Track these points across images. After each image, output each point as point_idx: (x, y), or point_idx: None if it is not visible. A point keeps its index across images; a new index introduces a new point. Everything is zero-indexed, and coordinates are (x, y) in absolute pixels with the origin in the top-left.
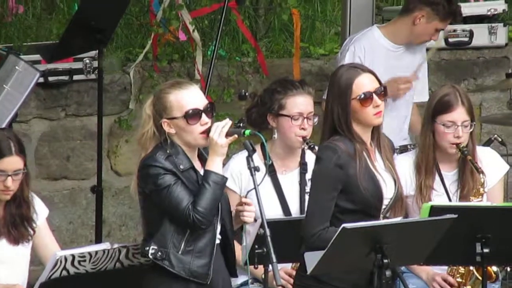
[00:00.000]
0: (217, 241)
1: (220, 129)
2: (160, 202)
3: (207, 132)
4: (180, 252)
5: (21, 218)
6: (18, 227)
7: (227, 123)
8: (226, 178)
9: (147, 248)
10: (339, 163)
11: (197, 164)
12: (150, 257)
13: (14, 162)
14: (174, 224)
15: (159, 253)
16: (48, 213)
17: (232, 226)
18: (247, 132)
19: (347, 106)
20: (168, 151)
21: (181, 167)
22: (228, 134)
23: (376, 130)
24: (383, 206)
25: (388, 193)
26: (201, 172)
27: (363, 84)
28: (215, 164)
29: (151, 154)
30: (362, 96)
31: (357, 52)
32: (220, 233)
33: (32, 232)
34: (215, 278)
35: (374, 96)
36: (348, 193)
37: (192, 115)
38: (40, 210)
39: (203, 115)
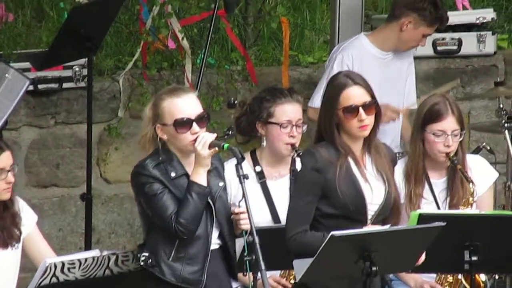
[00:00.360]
0: (216, 247)
1: (204, 141)
2: (148, 210)
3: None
4: (170, 259)
5: (10, 218)
6: (8, 228)
7: (211, 135)
8: (210, 189)
9: (139, 255)
10: (316, 167)
11: (192, 170)
12: (141, 263)
13: (9, 157)
14: (163, 232)
15: (150, 260)
16: (37, 219)
17: (232, 231)
18: (225, 146)
19: (332, 115)
20: (160, 158)
21: (172, 174)
22: (211, 146)
23: (367, 139)
24: (371, 213)
25: (375, 199)
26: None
27: (350, 96)
28: (199, 175)
29: (142, 162)
30: (346, 109)
31: (345, 60)
32: (219, 238)
33: (18, 232)
34: (211, 283)
35: (360, 110)
36: (328, 198)
37: (181, 124)
38: (30, 216)
39: (194, 124)
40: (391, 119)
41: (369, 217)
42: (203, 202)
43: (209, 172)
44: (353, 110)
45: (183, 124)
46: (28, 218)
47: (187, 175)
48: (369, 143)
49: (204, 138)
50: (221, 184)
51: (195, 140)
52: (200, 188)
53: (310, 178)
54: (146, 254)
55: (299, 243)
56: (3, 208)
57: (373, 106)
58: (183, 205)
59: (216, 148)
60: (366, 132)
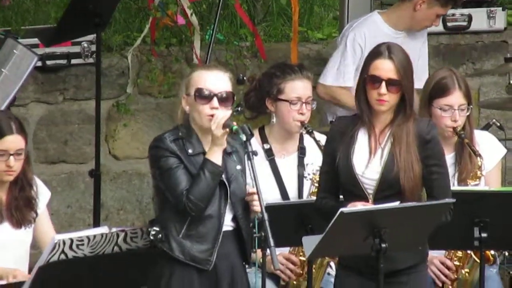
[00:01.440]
0: (229, 228)
1: (218, 120)
2: (161, 184)
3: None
4: (180, 236)
5: (24, 200)
6: (21, 210)
7: (226, 114)
8: (223, 169)
9: (150, 229)
10: (328, 138)
11: None
12: (151, 238)
13: (15, 141)
14: (176, 208)
15: (160, 235)
16: (50, 197)
17: (247, 214)
18: (234, 128)
19: (362, 78)
20: (180, 133)
21: (190, 151)
22: (224, 126)
23: (394, 118)
24: (370, 187)
25: (369, 174)
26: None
27: (379, 68)
28: (213, 153)
29: (160, 135)
30: (371, 78)
31: (357, 38)
32: (232, 220)
33: (34, 215)
34: (222, 264)
35: (383, 83)
36: (336, 169)
37: (202, 95)
38: (43, 194)
39: (215, 99)
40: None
41: (370, 192)
42: (215, 181)
43: (229, 154)
44: (376, 81)
45: (203, 95)
46: (40, 199)
47: (204, 154)
48: (395, 119)
49: (219, 117)
50: (238, 167)
51: (212, 115)
52: (213, 167)
53: (325, 148)
54: (157, 228)
55: (317, 208)
56: (18, 190)
57: (397, 85)
58: (195, 182)
59: (228, 130)
60: (383, 107)
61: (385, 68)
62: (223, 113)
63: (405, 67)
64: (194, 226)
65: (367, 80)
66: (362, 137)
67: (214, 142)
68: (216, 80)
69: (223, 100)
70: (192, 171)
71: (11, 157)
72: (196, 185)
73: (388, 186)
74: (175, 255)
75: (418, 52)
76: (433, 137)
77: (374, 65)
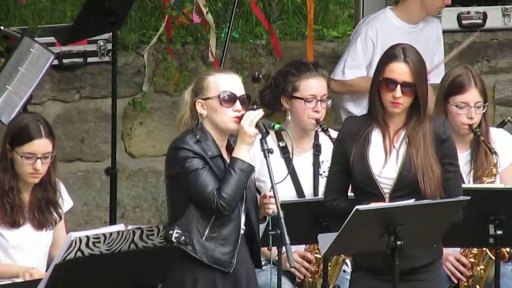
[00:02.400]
0: (242, 232)
1: (252, 119)
2: (186, 185)
3: (239, 118)
4: (204, 238)
5: (46, 202)
6: (43, 211)
7: (259, 113)
8: (253, 167)
9: (171, 232)
10: (339, 138)
11: (225, 154)
12: (174, 241)
13: (43, 144)
14: (199, 210)
15: (183, 237)
16: (71, 206)
17: (258, 217)
18: (277, 126)
19: (376, 80)
20: (197, 136)
21: (209, 153)
22: (257, 125)
23: (409, 119)
24: (387, 187)
25: (385, 173)
26: (228, 161)
27: (394, 70)
28: (242, 152)
29: (181, 137)
30: (386, 81)
31: (369, 34)
32: (245, 224)
33: (57, 217)
34: (240, 268)
35: (398, 87)
36: (349, 169)
37: (227, 98)
38: (66, 201)
39: (238, 102)
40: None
41: (386, 191)
42: (246, 179)
43: None
44: (391, 84)
45: (229, 98)
46: (64, 201)
47: (221, 157)
48: (410, 120)
49: (252, 115)
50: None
51: (238, 118)
52: (243, 165)
53: (335, 148)
54: (179, 231)
55: (328, 210)
56: (42, 191)
57: (412, 88)
58: (226, 181)
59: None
60: (397, 110)
61: (400, 71)
62: (256, 112)
63: (420, 70)
64: (217, 228)
65: (382, 82)
66: (376, 138)
67: (243, 140)
68: (236, 83)
69: (244, 102)
70: (216, 172)
71: (38, 160)
72: (228, 183)
73: (405, 185)
74: (199, 257)
75: (434, 47)
76: (448, 136)
77: (389, 68)
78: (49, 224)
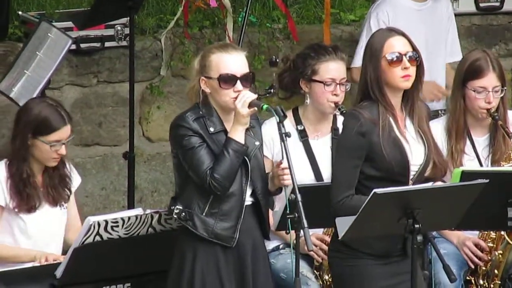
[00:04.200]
0: (248, 203)
1: (244, 100)
2: (184, 162)
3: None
4: (204, 214)
5: (59, 178)
6: (56, 188)
7: (251, 94)
8: (247, 147)
9: (173, 207)
10: (361, 131)
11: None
12: (175, 216)
13: (67, 130)
14: (199, 186)
15: (183, 213)
16: (80, 183)
17: (266, 190)
18: (265, 107)
19: (378, 66)
20: (201, 112)
21: (211, 129)
22: (250, 105)
23: (409, 96)
24: (412, 173)
25: (415, 160)
26: None
27: (394, 45)
28: (237, 132)
29: (182, 114)
30: (391, 55)
31: (381, 16)
32: (251, 195)
33: (69, 193)
34: (244, 240)
35: (404, 58)
36: (373, 161)
37: (226, 80)
38: (75, 178)
39: (238, 82)
40: (436, 98)
41: (410, 177)
42: (239, 159)
43: (246, 131)
44: (397, 58)
45: (228, 80)
46: (73, 178)
47: (225, 132)
48: (412, 102)
49: (245, 96)
50: (257, 143)
51: (236, 98)
52: (237, 145)
53: (355, 142)
54: (180, 207)
55: (347, 207)
56: (52, 168)
57: (414, 58)
58: (219, 161)
59: (256, 108)
60: (409, 83)
61: (400, 43)
62: (249, 93)
63: (410, 39)
64: (217, 204)
65: (386, 61)
66: (393, 125)
67: (238, 121)
68: (237, 63)
69: (246, 81)
70: (214, 149)
71: (63, 146)
72: (220, 164)
73: (425, 170)
74: (199, 232)
75: (446, 24)
76: (429, 114)
77: (388, 45)
78: (62, 200)
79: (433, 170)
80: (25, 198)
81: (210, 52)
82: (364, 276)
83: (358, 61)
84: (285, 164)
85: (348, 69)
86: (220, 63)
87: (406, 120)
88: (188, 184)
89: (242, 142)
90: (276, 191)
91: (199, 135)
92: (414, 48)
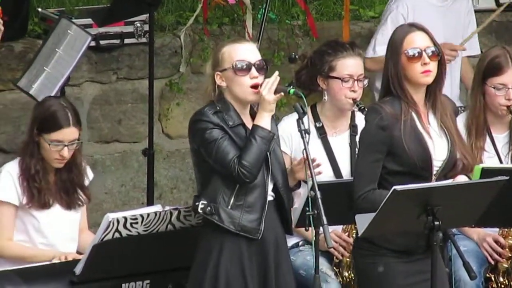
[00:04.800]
0: (270, 198)
1: (270, 85)
2: (208, 156)
3: (257, 87)
4: (229, 207)
5: (72, 184)
6: (68, 193)
7: (276, 79)
8: (273, 134)
9: (197, 203)
10: (382, 125)
11: (248, 121)
12: (200, 211)
13: (71, 133)
14: (223, 179)
15: (209, 208)
16: (91, 178)
17: (287, 184)
18: (292, 91)
19: (397, 61)
20: (218, 107)
21: (230, 123)
22: (276, 91)
23: (432, 91)
24: (436, 169)
25: (438, 155)
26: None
27: (414, 40)
28: (263, 119)
29: (200, 109)
30: (410, 51)
31: (400, 10)
32: (273, 190)
33: (84, 198)
34: (268, 234)
35: (424, 53)
36: (395, 155)
37: (241, 67)
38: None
39: (253, 68)
40: (450, 57)
41: (434, 173)
42: (266, 146)
43: None
44: (417, 53)
45: (242, 67)
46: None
47: (243, 125)
48: (434, 97)
49: (270, 82)
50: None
51: (254, 86)
52: (264, 132)
53: (376, 136)
54: (205, 202)
55: (368, 202)
56: (66, 172)
57: (436, 54)
58: (247, 148)
59: (282, 93)
60: (429, 79)
61: (420, 39)
62: (273, 78)
63: (432, 35)
64: (242, 196)
65: (406, 57)
66: (416, 120)
67: (263, 107)
68: (250, 51)
69: (261, 68)
70: (236, 141)
71: (65, 148)
72: (248, 151)
73: (449, 166)
74: (226, 225)
75: (465, 19)
76: (456, 110)
77: (408, 41)
78: (76, 205)
79: (461, 166)
80: (35, 193)
81: (221, 47)
82: (387, 273)
83: (369, 52)
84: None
85: None
86: (232, 53)
87: (429, 116)
88: (211, 179)
89: (269, 128)
90: (295, 186)
91: (220, 128)
92: (435, 44)
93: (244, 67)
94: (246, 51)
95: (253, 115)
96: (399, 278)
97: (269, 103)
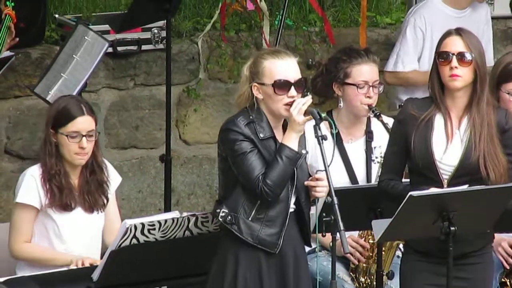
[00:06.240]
0: (291, 210)
1: (300, 106)
2: (234, 167)
3: (290, 104)
4: (250, 219)
5: (96, 184)
6: (93, 194)
7: (307, 101)
8: (300, 155)
9: (218, 210)
10: (399, 119)
11: (279, 134)
12: (220, 219)
13: (86, 121)
14: (246, 191)
15: (229, 217)
16: (120, 182)
17: (308, 198)
18: (323, 115)
19: (435, 64)
20: (251, 117)
21: (261, 135)
22: (306, 113)
23: (473, 98)
24: (445, 173)
25: (446, 160)
26: None
27: (448, 44)
28: (291, 139)
29: (233, 118)
30: (441, 54)
31: (418, 23)
32: (295, 203)
33: (105, 200)
34: (286, 247)
35: (454, 58)
36: (408, 151)
37: (281, 86)
38: (114, 179)
39: (292, 88)
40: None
41: (445, 177)
42: (292, 166)
43: None
44: (446, 57)
45: (282, 86)
46: (112, 179)
47: (274, 138)
48: (470, 103)
49: (300, 103)
50: (303, 152)
51: (289, 104)
52: (291, 152)
53: (393, 127)
54: (226, 210)
55: (382, 190)
56: (89, 173)
57: (468, 60)
58: (272, 167)
59: (311, 116)
60: (457, 83)
61: (454, 43)
62: (305, 99)
63: (475, 44)
64: (263, 209)
65: (438, 58)
66: (438, 122)
67: (292, 128)
68: (291, 69)
69: (299, 87)
70: (264, 155)
71: (84, 138)
72: (273, 170)
73: (465, 173)
74: (244, 237)
75: (481, 30)
76: (511, 127)
77: (443, 44)
78: (99, 206)
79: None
80: (56, 192)
81: (262, 58)
82: (411, 272)
83: (391, 65)
84: (319, 175)
85: (381, 71)
86: (273, 69)
87: (463, 121)
88: (235, 188)
89: (296, 149)
90: (311, 202)
91: (250, 140)
92: (470, 50)
93: (285, 86)
94: (287, 69)
95: (285, 127)
96: (422, 277)
97: (298, 124)
